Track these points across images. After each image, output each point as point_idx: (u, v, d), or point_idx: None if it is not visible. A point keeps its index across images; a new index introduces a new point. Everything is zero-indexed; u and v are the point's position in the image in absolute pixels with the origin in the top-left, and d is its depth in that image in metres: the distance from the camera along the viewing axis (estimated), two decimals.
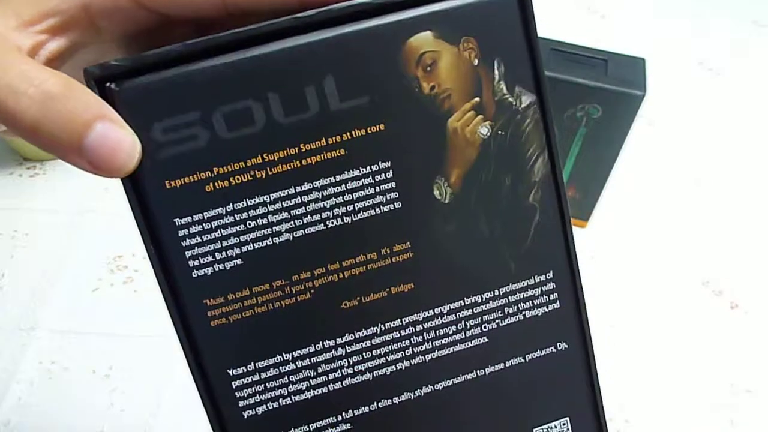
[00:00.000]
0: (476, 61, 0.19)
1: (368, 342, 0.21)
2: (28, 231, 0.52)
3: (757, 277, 0.49)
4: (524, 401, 0.23)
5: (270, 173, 0.19)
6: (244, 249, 0.19)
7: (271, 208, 0.19)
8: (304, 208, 0.19)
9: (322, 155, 0.19)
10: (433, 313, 0.21)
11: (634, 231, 0.52)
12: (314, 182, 0.19)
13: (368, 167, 0.20)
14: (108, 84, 0.18)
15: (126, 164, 0.17)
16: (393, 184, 0.20)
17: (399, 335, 0.21)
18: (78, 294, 0.47)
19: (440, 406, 0.22)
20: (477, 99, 0.20)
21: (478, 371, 0.22)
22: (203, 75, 0.18)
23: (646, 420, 0.40)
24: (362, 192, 0.20)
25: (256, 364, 0.21)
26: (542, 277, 0.22)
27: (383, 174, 0.20)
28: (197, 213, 0.19)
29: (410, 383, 0.22)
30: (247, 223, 0.19)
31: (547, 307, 0.22)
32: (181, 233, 0.19)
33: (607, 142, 0.45)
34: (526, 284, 0.22)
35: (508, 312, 0.22)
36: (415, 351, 0.22)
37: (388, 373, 0.21)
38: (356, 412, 0.22)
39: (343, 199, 0.20)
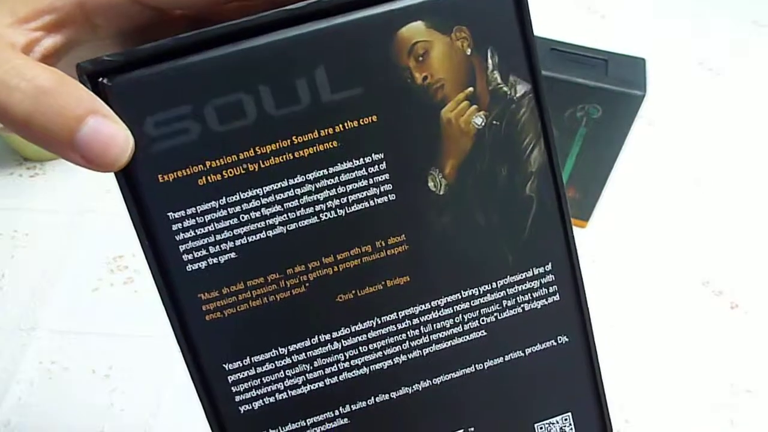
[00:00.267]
0: (469, 51, 0.19)
1: (364, 336, 0.21)
2: (28, 231, 0.52)
3: (757, 277, 0.49)
4: (525, 396, 0.23)
5: (262, 166, 0.19)
6: (237, 242, 0.19)
7: (264, 201, 0.19)
8: (297, 201, 0.19)
9: (314, 147, 0.19)
10: (430, 306, 0.21)
11: (634, 231, 0.52)
12: (307, 175, 0.19)
13: (361, 159, 0.19)
14: (100, 79, 0.18)
15: (119, 158, 0.17)
16: (387, 176, 0.20)
17: (396, 329, 0.21)
18: (78, 294, 0.47)
19: (439, 401, 0.22)
20: (471, 89, 0.20)
21: (477, 365, 0.22)
22: (194, 69, 0.18)
23: (646, 420, 0.40)
24: (356, 184, 0.20)
25: (252, 358, 0.21)
26: (541, 269, 0.22)
27: (377, 166, 0.20)
28: (190, 207, 0.19)
29: (408, 378, 0.22)
30: (241, 216, 0.19)
31: (547, 300, 0.22)
32: (174, 227, 0.19)
33: (607, 142, 0.45)
34: (524, 276, 0.22)
35: (506, 305, 0.22)
36: (413, 345, 0.21)
37: (386, 367, 0.21)
38: (353, 407, 0.22)
39: (336, 191, 0.19)
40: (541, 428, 0.23)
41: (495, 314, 0.22)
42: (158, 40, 0.18)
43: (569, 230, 0.22)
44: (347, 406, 0.22)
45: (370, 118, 0.19)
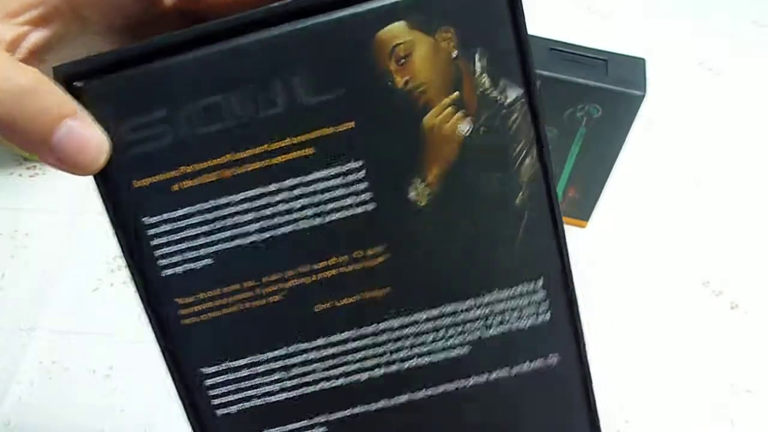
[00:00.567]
0: (455, 53, 0.18)
1: (342, 346, 0.20)
2: (28, 231, 0.52)
3: (757, 277, 0.49)
4: (511, 416, 0.22)
5: (237, 173, 0.19)
6: (213, 249, 0.19)
7: (238, 208, 0.19)
8: (272, 208, 0.19)
9: (289, 154, 0.18)
10: (410, 320, 0.20)
11: (634, 231, 0.52)
12: (282, 182, 0.19)
13: (338, 167, 0.19)
14: (75, 82, 0.17)
15: (94, 162, 0.17)
16: (365, 185, 0.19)
17: (374, 341, 0.20)
18: (78, 294, 0.47)
19: (419, 416, 0.21)
20: (456, 93, 0.18)
21: (459, 382, 0.21)
22: (167, 72, 0.18)
23: (646, 420, 0.40)
24: (333, 193, 0.19)
25: (229, 363, 0.20)
26: (531, 286, 0.20)
27: (355, 174, 0.19)
28: (166, 212, 0.19)
29: (387, 390, 0.21)
30: (215, 223, 0.19)
31: (537, 318, 0.21)
32: (150, 232, 0.19)
33: (607, 142, 0.45)
34: (512, 293, 0.20)
35: (492, 322, 0.21)
36: (392, 358, 0.21)
37: (363, 379, 0.21)
38: (331, 417, 0.21)
39: (312, 200, 0.19)
40: None
41: (479, 331, 0.21)
42: (146, 38, 0.17)
43: (563, 245, 0.20)
44: (324, 415, 0.21)
45: (348, 124, 0.18)
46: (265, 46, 0.18)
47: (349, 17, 0.17)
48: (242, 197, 0.19)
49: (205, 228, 0.19)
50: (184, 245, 0.19)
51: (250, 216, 0.19)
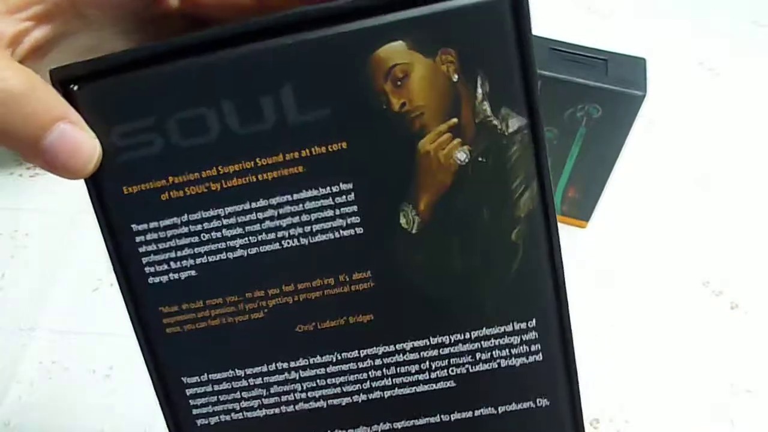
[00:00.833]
0: (456, 77, 0.17)
1: (323, 369, 0.20)
2: (28, 231, 0.52)
3: (757, 277, 0.49)
4: None
5: (225, 186, 0.18)
6: (198, 261, 0.19)
7: (225, 222, 0.19)
8: (259, 225, 0.19)
9: (279, 171, 0.18)
10: (393, 349, 0.20)
11: (634, 231, 0.52)
12: (270, 199, 0.18)
13: (328, 188, 0.18)
14: (71, 85, 0.17)
15: (84, 167, 0.17)
16: (354, 208, 0.18)
17: (356, 367, 0.20)
18: (78, 294, 0.47)
19: None
20: (454, 120, 0.17)
21: (442, 416, 0.21)
22: (158, 79, 0.17)
23: (646, 420, 0.40)
24: (321, 213, 0.18)
25: (210, 375, 0.20)
26: (523, 325, 0.20)
27: (344, 196, 0.18)
28: (153, 221, 0.19)
29: (366, 418, 0.21)
30: (201, 235, 0.19)
31: (527, 358, 0.20)
32: (138, 239, 0.19)
33: (607, 142, 0.45)
34: (502, 330, 0.20)
35: (480, 358, 0.20)
36: (373, 385, 0.20)
37: (344, 404, 0.20)
38: None
39: (300, 219, 0.19)
40: None
41: (466, 366, 0.20)
42: (157, 35, 0.17)
43: (561, 285, 0.19)
44: None
45: (339, 144, 0.18)
46: (255, 59, 0.17)
47: (345, 34, 0.17)
48: (229, 211, 0.19)
49: (192, 239, 0.19)
50: (169, 255, 0.19)
51: (236, 231, 0.19)
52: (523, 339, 0.20)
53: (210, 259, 0.19)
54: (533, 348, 0.20)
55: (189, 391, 0.21)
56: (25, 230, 0.52)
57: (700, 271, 0.49)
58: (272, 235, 0.19)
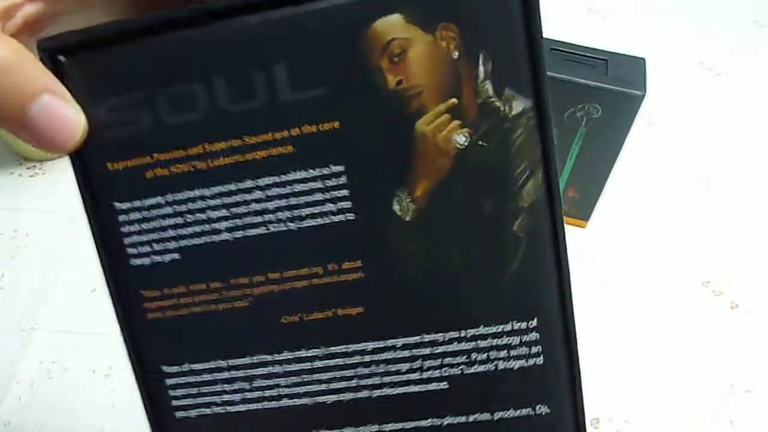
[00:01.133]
0: (456, 54, 0.16)
1: (308, 364, 0.19)
2: (28, 231, 0.52)
3: (757, 277, 0.49)
4: None
5: (211, 165, 0.17)
6: (182, 243, 0.18)
7: (210, 203, 0.18)
8: (245, 207, 0.18)
9: (267, 151, 0.17)
10: (384, 345, 0.19)
11: (634, 231, 0.52)
12: (257, 180, 0.17)
13: (318, 169, 0.17)
14: (59, 56, 0.17)
15: (69, 140, 0.17)
16: (346, 192, 0.17)
17: (344, 362, 0.19)
18: (78, 294, 0.47)
19: None
20: (454, 100, 0.16)
21: (434, 420, 0.19)
22: (149, 53, 0.17)
23: (645, 420, 0.40)
24: (310, 197, 0.17)
25: (191, 366, 0.20)
26: (523, 324, 0.18)
27: (335, 179, 0.17)
28: (137, 200, 0.18)
29: (354, 418, 0.19)
30: (186, 216, 0.18)
31: (527, 361, 0.19)
32: (121, 218, 0.18)
33: (607, 142, 0.45)
34: (501, 330, 0.18)
35: (475, 359, 0.19)
36: (361, 383, 0.19)
37: (330, 402, 0.19)
38: None
39: (288, 202, 0.18)
40: None
41: (461, 367, 0.19)
42: (144, 14, 0.17)
43: (566, 282, 0.18)
44: None
45: (331, 123, 0.17)
46: (246, 33, 0.16)
47: (338, 6, 0.16)
48: (215, 192, 0.18)
49: (176, 221, 0.18)
50: (152, 236, 0.18)
51: (221, 213, 0.18)
52: (523, 340, 0.19)
53: (194, 242, 0.18)
54: (534, 350, 0.19)
55: (169, 381, 0.20)
56: (25, 230, 0.52)
57: (700, 271, 0.49)
58: (259, 219, 0.18)
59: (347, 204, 0.17)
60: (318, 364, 0.19)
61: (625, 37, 0.67)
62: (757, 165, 0.58)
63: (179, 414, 0.20)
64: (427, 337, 0.19)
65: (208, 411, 0.20)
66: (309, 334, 0.19)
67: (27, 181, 0.56)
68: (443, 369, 0.19)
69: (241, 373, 0.19)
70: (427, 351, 0.19)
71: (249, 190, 0.18)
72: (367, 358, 0.19)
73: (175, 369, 0.20)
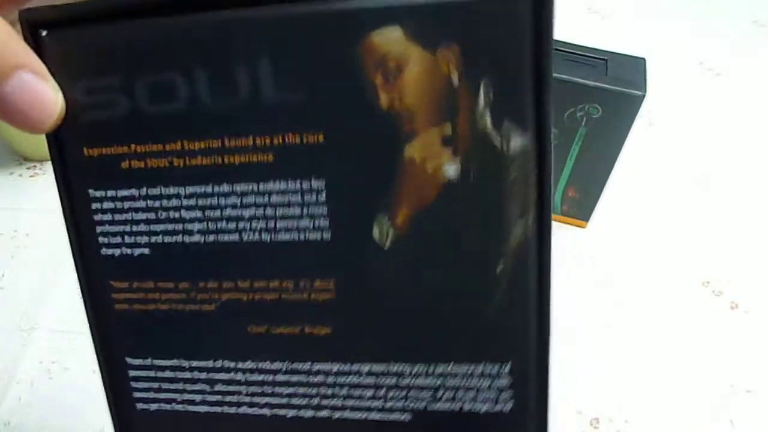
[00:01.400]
0: (455, 77, 0.15)
1: (271, 376, 0.19)
2: (28, 231, 0.52)
3: (757, 277, 0.49)
4: None
5: (188, 164, 0.17)
6: (152, 239, 0.18)
7: (185, 202, 0.17)
8: (219, 211, 0.17)
9: (247, 156, 0.17)
10: (349, 369, 0.18)
11: (634, 231, 0.52)
12: (234, 185, 0.17)
13: (298, 182, 0.16)
14: (40, 30, 0.16)
15: (44, 120, 0.16)
16: (324, 210, 0.17)
17: (306, 380, 0.19)
18: (78, 294, 0.47)
19: None
20: (448, 127, 0.15)
21: None
22: (132, 35, 0.16)
23: (645, 420, 0.40)
24: (287, 210, 0.17)
25: (154, 360, 0.19)
26: (495, 368, 0.18)
27: (315, 195, 0.17)
28: (111, 189, 0.18)
29: None
30: (159, 212, 0.18)
31: (494, 405, 0.18)
32: (94, 206, 0.18)
33: (607, 142, 0.45)
34: (470, 370, 0.18)
35: (441, 395, 0.18)
36: (323, 403, 0.19)
37: (289, 416, 0.19)
38: None
39: (264, 212, 0.17)
40: None
41: (425, 401, 0.18)
42: None
43: (546, 329, 0.17)
44: None
45: (315, 135, 0.16)
46: (233, 25, 0.16)
47: (336, 11, 0.15)
48: (190, 191, 0.17)
49: (148, 215, 0.18)
50: (124, 228, 0.18)
51: (195, 214, 0.17)
52: (494, 384, 0.18)
53: (165, 240, 0.18)
54: (503, 396, 0.18)
55: (132, 373, 0.20)
56: (25, 230, 0.52)
57: (700, 271, 0.49)
58: (233, 225, 0.17)
59: (325, 222, 0.17)
60: (280, 377, 0.19)
61: (625, 37, 0.67)
62: (757, 165, 0.58)
63: (140, 405, 0.20)
64: (394, 367, 0.18)
65: (167, 407, 0.20)
66: (275, 347, 0.18)
67: (27, 181, 0.56)
68: (407, 401, 0.18)
69: (203, 375, 0.19)
70: (392, 381, 0.18)
71: (225, 195, 0.17)
72: (330, 379, 0.19)
73: (138, 362, 0.20)
